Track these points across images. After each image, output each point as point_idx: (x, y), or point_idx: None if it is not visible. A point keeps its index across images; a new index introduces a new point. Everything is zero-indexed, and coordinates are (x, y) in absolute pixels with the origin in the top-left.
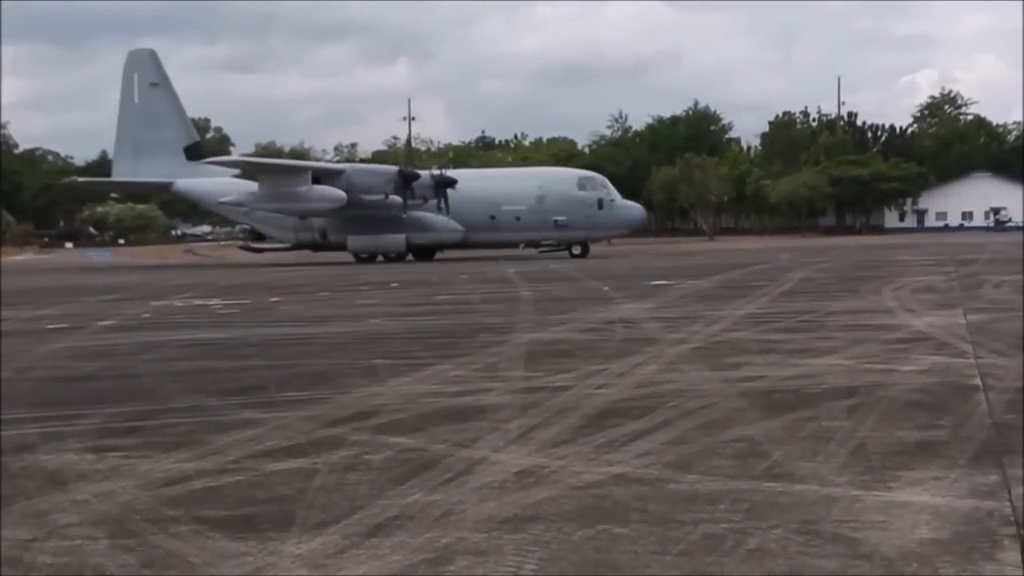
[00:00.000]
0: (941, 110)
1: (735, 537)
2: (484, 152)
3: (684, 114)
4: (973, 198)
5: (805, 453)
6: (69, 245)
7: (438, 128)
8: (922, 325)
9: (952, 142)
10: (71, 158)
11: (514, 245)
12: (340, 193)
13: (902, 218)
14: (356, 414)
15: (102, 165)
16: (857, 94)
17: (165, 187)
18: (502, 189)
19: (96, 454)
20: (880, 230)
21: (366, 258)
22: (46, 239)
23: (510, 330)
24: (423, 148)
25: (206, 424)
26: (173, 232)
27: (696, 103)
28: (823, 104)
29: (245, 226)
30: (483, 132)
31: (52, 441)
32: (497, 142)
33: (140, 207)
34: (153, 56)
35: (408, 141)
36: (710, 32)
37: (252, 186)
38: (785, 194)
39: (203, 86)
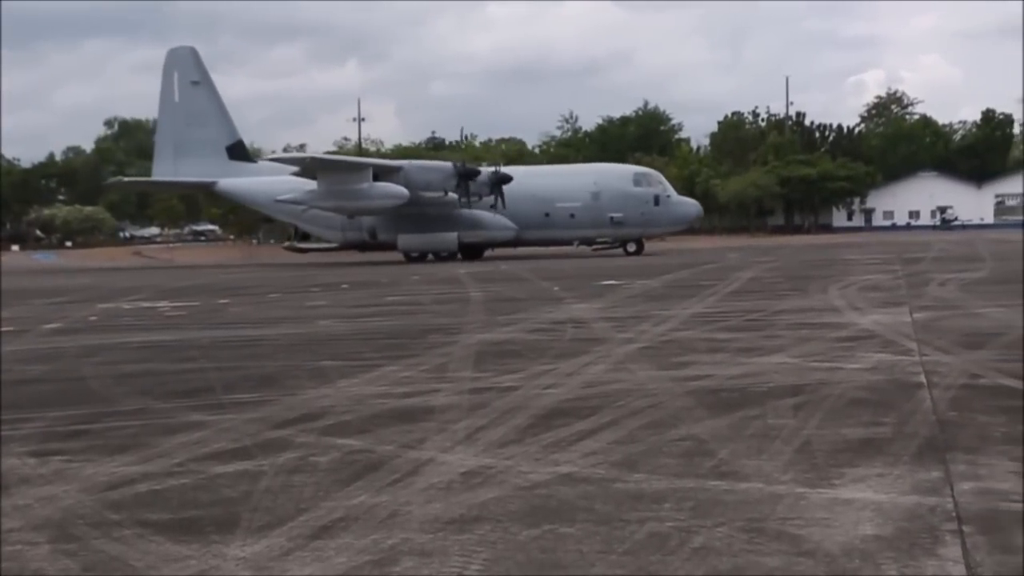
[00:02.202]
0: (888, 110)
1: (680, 535)
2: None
3: (634, 114)
4: (920, 197)
5: (751, 451)
6: (15, 248)
7: (388, 129)
8: (868, 323)
9: (899, 142)
10: (17, 160)
11: (568, 243)
12: (403, 190)
13: (850, 217)
14: (303, 416)
15: (48, 167)
16: (805, 94)
17: (208, 187)
18: (556, 186)
19: (39, 458)
20: (828, 229)
21: (416, 257)
22: None
23: (459, 331)
24: (373, 149)
25: (152, 427)
26: (121, 234)
27: (646, 103)
28: (772, 104)
29: (199, 228)
30: (433, 133)
31: None
32: (447, 143)
33: (88, 209)
34: (194, 54)
35: (358, 142)
36: (660, 33)
37: (310, 184)
38: (734, 194)
39: (152, 87)
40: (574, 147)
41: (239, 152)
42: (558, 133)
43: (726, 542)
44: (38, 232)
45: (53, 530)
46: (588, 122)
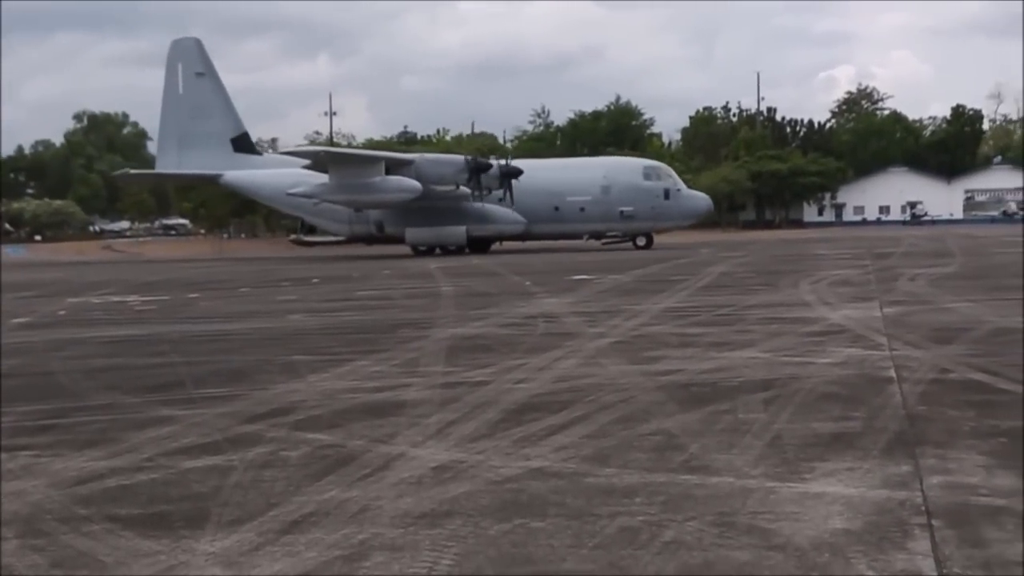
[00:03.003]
0: (858, 105)
1: (651, 530)
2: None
3: (606, 109)
4: (890, 192)
5: (721, 446)
6: None
7: (360, 123)
8: (838, 318)
9: (869, 137)
10: None
11: (577, 237)
12: (416, 184)
13: (821, 212)
14: (274, 410)
15: (17, 161)
16: (776, 90)
17: (212, 179)
18: (566, 179)
19: (7, 453)
20: (799, 224)
21: (424, 251)
22: None
23: (430, 325)
24: (345, 143)
25: (121, 422)
26: (91, 228)
27: (618, 98)
28: (743, 100)
29: (169, 222)
30: (405, 127)
31: None
32: (419, 137)
33: (57, 203)
34: (198, 45)
35: (330, 136)
36: (632, 29)
37: (321, 178)
38: (705, 189)
39: (121, 80)
40: (546, 142)
41: (244, 144)
42: (530, 128)
43: (697, 536)
44: (7, 226)
45: (21, 525)
46: (560, 117)
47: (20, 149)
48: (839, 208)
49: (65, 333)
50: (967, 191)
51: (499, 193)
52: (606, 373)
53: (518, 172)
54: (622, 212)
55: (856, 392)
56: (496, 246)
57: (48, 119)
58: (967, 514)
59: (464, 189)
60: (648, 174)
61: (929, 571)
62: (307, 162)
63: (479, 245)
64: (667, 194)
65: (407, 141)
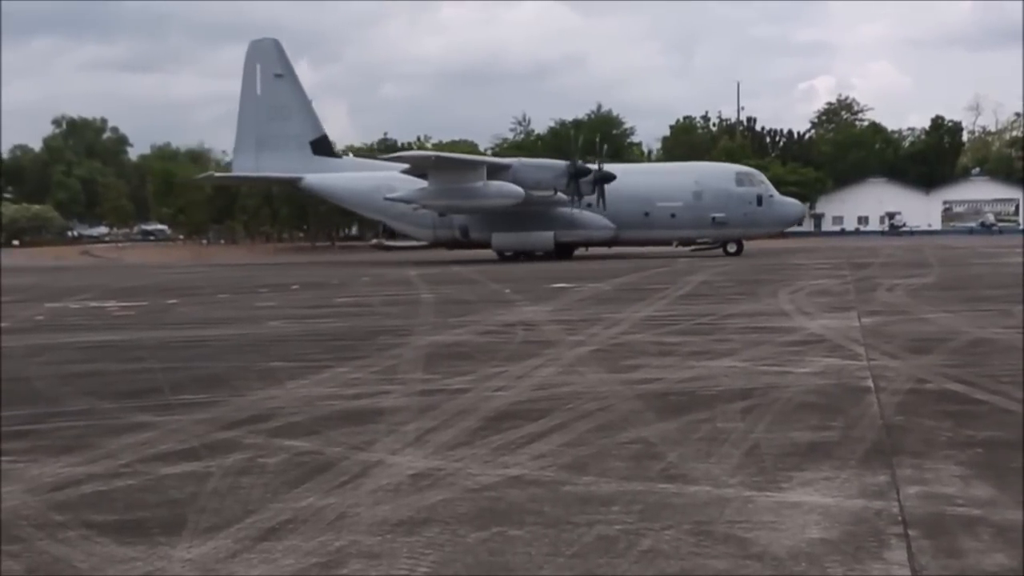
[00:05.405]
0: (838, 116)
1: (628, 538)
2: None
3: (586, 118)
4: (869, 203)
5: (699, 455)
6: None
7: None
8: (817, 328)
9: (849, 148)
10: None
11: (667, 243)
12: (519, 189)
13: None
14: (252, 417)
15: None
16: (756, 100)
17: (292, 183)
18: (657, 185)
19: None
20: (778, 233)
21: (510, 256)
22: None
23: (409, 333)
24: None
25: (98, 427)
26: (69, 233)
27: (599, 107)
28: (723, 109)
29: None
30: (385, 134)
31: None
32: (400, 144)
33: (35, 208)
34: (277, 46)
35: None
36: (612, 37)
37: (419, 182)
38: None
39: (98, 85)
40: (526, 149)
41: (323, 147)
42: (511, 135)
43: (674, 545)
44: None
45: None
46: (540, 125)
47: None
48: (818, 218)
49: (43, 338)
50: (945, 202)
51: (589, 198)
52: (585, 381)
53: (611, 177)
54: (714, 218)
55: (834, 402)
56: (581, 251)
57: (26, 124)
58: (943, 524)
59: (560, 195)
60: (740, 180)
61: None
62: (400, 167)
63: (561, 251)
64: (760, 200)
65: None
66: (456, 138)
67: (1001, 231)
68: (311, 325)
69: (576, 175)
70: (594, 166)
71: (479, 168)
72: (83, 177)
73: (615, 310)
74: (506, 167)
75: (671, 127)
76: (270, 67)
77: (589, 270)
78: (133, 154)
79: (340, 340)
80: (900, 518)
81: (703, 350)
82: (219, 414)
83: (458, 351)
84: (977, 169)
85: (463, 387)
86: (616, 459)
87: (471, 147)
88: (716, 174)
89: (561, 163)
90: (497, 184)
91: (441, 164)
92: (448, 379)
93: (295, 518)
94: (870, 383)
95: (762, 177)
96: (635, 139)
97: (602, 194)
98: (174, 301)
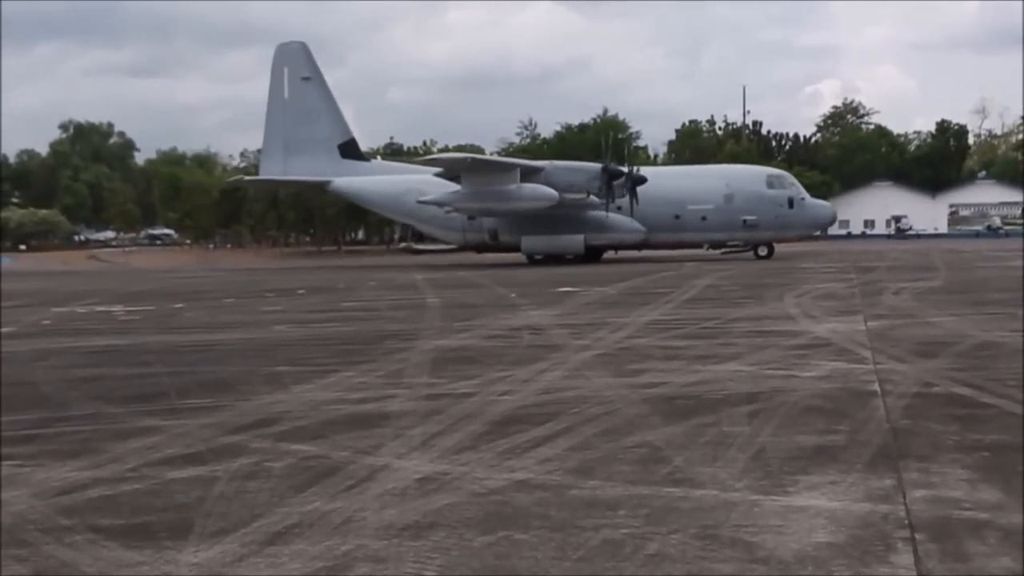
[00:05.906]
0: (844, 119)
1: (634, 542)
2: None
3: (592, 122)
4: (875, 206)
5: (705, 458)
6: None
7: None
8: (823, 331)
9: (854, 151)
10: None
11: (698, 246)
12: (553, 192)
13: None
14: (258, 421)
15: (1, 170)
16: (762, 103)
17: (321, 186)
18: (688, 187)
19: None
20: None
21: (540, 259)
22: None
23: (416, 337)
24: None
25: (104, 432)
26: (76, 237)
27: (605, 111)
28: (729, 113)
29: (155, 232)
30: (391, 139)
31: None
32: (406, 149)
33: (43, 212)
34: (304, 49)
35: None
36: (617, 41)
37: (451, 186)
38: None
39: (105, 90)
40: (532, 153)
41: (352, 150)
42: (517, 140)
43: (680, 549)
44: None
45: (4, 535)
46: (546, 129)
47: (4, 158)
48: None
49: (50, 343)
50: (952, 205)
51: (621, 201)
52: (591, 385)
53: (644, 180)
54: (745, 221)
55: (840, 406)
56: (610, 255)
57: (33, 128)
58: (950, 528)
59: (593, 197)
60: (772, 182)
61: None
62: (431, 170)
63: (591, 254)
64: (791, 203)
65: (393, 152)
66: (462, 142)
67: (1007, 234)
68: (317, 329)
69: (611, 178)
70: (626, 168)
71: (513, 171)
72: (90, 182)
73: (621, 314)
74: (539, 169)
75: (677, 131)
76: (298, 70)
77: (597, 274)
78: (140, 158)
79: (346, 344)
80: (907, 522)
81: (709, 354)
82: (225, 418)
83: (464, 355)
84: (983, 172)
85: (469, 391)
86: (622, 463)
87: (477, 151)
88: (747, 176)
89: (595, 166)
90: (531, 187)
91: (475, 166)
92: (454, 383)
93: (301, 522)
94: (876, 387)
95: (793, 179)
96: (641, 143)
97: (635, 196)
98: (180, 305)
